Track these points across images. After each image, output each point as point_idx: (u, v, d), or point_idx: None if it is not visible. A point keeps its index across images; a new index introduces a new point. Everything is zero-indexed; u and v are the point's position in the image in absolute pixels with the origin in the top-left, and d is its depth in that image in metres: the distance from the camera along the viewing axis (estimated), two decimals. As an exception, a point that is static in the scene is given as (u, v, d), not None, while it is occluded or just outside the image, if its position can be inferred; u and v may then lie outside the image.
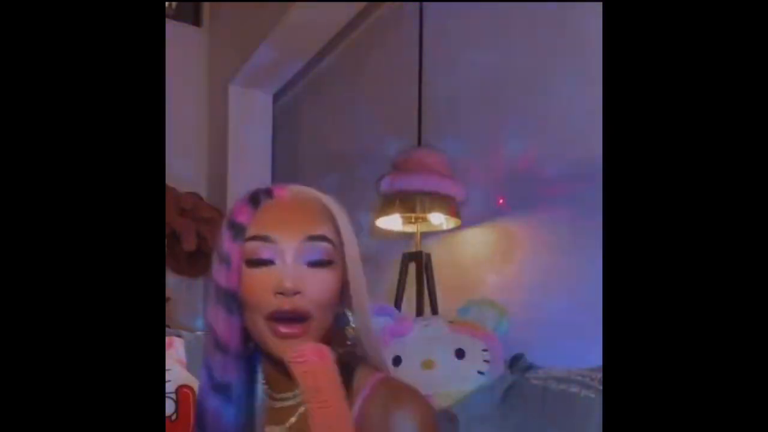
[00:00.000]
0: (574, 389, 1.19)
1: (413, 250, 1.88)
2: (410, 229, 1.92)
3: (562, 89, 1.68)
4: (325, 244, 0.68)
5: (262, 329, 0.67)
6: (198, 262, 3.15)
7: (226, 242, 0.69)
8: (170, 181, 2.99)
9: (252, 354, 0.73)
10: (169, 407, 1.57)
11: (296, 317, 0.66)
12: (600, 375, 1.19)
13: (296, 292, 0.66)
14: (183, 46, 3.39)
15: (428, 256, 1.86)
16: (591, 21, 1.52)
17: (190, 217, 2.98)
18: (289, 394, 0.71)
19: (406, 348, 1.46)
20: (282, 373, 0.69)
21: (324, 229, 0.69)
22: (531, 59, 1.78)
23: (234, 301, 0.68)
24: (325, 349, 0.65)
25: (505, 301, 1.62)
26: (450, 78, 2.07)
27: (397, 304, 1.84)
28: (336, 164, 2.66)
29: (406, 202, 1.73)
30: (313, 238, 0.67)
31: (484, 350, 1.41)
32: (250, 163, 3.17)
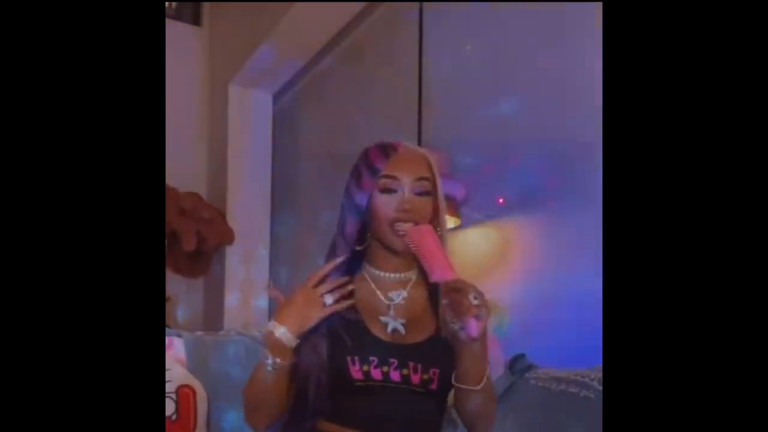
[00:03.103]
0: (574, 389, 1.19)
1: (413, 250, 1.88)
2: (410, 229, 1.91)
3: (562, 89, 1.68)
4: (426, 182, 1.05)
5: (387, 230, 1.02)
6: (198, 262, 3.16)
7: (365, 176, 1.04)
8: (170, 181, 2.99)
9: (365, 249, 1.09)
10: (169, 407, 1.57)
11: (408, 224, 1.01)
12: (600, 375, 1.19)
13: (410, 210, 1.01)
14: (183, 46, 3.39)
15: (428, 256, 1.86)
16: (591, 20, 1.52)
17: (190, 217, 2.98)
18: (395, 274, 1.07)
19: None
20: (391, 259, 1.06)
21: (425, 173, 1.05)
22: (531, 59, 1.78)
23: (360, 213, 1.04)
24: (430, 227, 1.01)
25: (505, 302, 1.62)
26: (450, 78, 2.07)
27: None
28: (336, 164, 2.66)
29: (406, 202, 1.73)
30: (420, 178, 1.04)
31: (484, 350, 1.41)
32: (250, 163, 3.17)
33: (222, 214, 3.10)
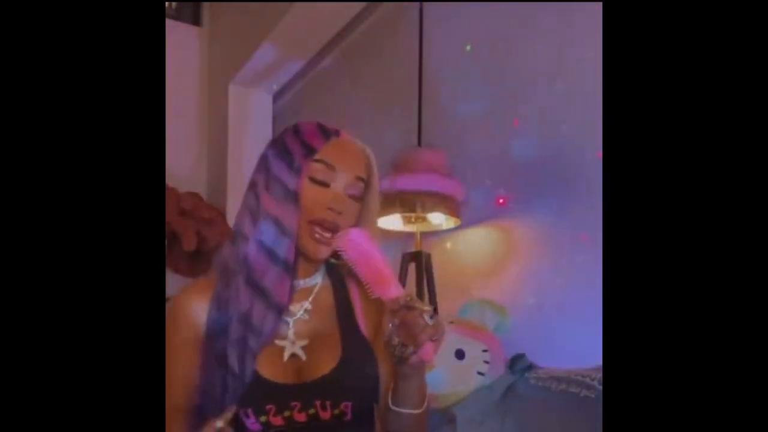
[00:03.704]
0: (574, 389, 1.19)
1: (413, 250, 1.88)
2: (410, 228, 1.92)
3: (563, 89, 1.68)
4: (362, 184, 0.89)
5: (303, 229, 0.85)
6: (198, 262, 3.15)
7: (298, 156, 0.86)
8: (170, 181, 2.99)
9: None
10: (169, 407, 1.56)
11: (332, 229, 0.86)
12: (600, 375, 1.19)
13: (339, 211, 0.85)
14: (183, 46, 3.39)
15: (428, 256, 1.86)
16: (591, 20, 1.52)
17: (190, 217, 2.98)
18: (300, 281, 0.90)
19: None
20: (305, 263, 0.89)
21: (364, 173, 0.89)
22: (532, 58, 1.78)
23: (294, 200, 0.85)
24: (365, 232, 0.85)
25: (505, 302, 1.62)
26: (450, 78, 2.07)
27: (397, 303, 1.83)
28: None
29: (406, 201, 1.73)
30: (358, 178, 0.88)
31: (484, 351, 1.41)
32: (250, 163, 3.16)
33: (222, 214, 3.10)
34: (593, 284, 1.44)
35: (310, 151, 0.86)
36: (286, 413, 0.81)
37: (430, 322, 0.75)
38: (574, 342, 1.48)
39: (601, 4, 0.68)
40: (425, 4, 2.09)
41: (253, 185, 0.92)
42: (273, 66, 2.94)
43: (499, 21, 1.90)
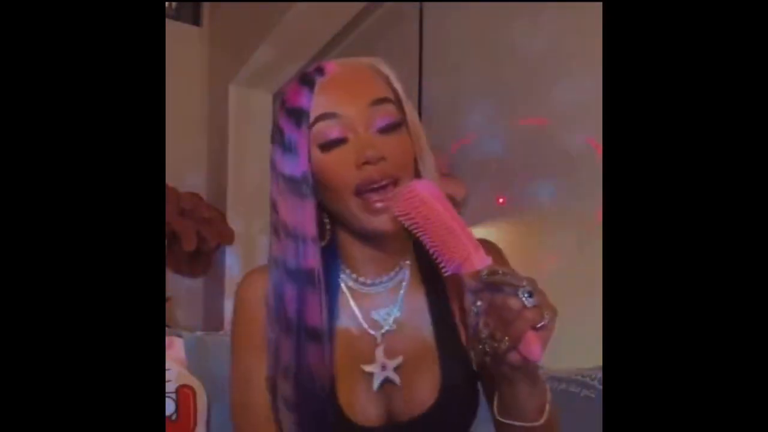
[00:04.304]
0: (575, 389, 1.19)
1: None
2: (410, 228, 1.91)
3: (563, 87, 1.68)
4: (390, 106, 0.65)
5: (353, 207, 0.63)
6: (198, 262, 3.15)
7: (288, 130, 0.64)
8: (170, 181, 2.99)
9: (329, 244, 0.69)
10: (169, 407, 1.57)
11: (386, 183, 0.62)
12: (600, 375, 1.19)
13: (380, 158, 0.61)
14: (183, 46, 3.39)
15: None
16: (591, 19, 1.52)
17: (190, 217, 2.98)
18: (381, 278, 0.68)
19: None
20: (369, 254, 0.67)
21: (384, 91, 0.66)
22: (531, 58, 1.78)
23: (307, 186, 0.64)
24: (432, 183, 0.62)
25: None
26: (450, 78, 2.07)
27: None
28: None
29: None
30: (378, 101, 0.64)
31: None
32: (250, 163, 3.17)
33: (222, 214, 3.10)
34: (593, 284, 1.44)
35: (299, 115, 0.64)
36: None
37: (528, 303, 0.55)
38: (574, 342, 1.48)
39: (601, 4, 0.67)
40: (425, 4, 2.09)
41: (270, 196, 0.69)
42: (273, 66, 2.94)
43: (499, 21, 1.90)
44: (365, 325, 0.68)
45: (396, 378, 0.65)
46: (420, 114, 1.99)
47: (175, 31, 3.36)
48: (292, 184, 0.64)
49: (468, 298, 0.58)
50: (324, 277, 0.65)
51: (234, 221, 3.10)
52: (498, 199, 1.86)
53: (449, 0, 2.07)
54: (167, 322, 3.09)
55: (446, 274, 0.60)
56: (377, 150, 0.62)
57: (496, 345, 0.55)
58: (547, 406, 0.61)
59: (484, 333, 0.55)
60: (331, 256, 0.69)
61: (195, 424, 1.59)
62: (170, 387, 1.58)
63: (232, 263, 3.09)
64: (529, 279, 0.57)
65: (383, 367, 0.65)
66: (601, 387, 1.16)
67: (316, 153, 0.64)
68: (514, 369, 0.57)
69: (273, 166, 0.68)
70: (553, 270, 1.67)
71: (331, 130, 0.63)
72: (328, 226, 0.69)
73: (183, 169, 3.29)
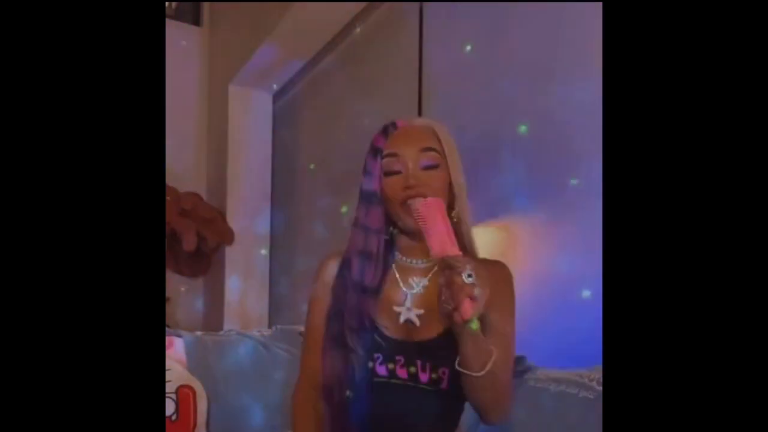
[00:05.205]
0: (573, 390, 1.19)
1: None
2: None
3: (563, 87, 1.68)
4: (433, 153, 1.00)
5: (398, 212, 1.00)
6: (198, 262, 3.16)
7: (369, 161, 1.02)
8: (170, 181, 2.99)
9: (390, 237, 1.06)
10: (169, 407, 1.57)
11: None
12: (599, 376, 1.19)
13: (419, 185, 0.97)
14: (183, 46, 3.40)
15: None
16: (592, 19, 1.52)
17: (190, 217, 2.98)
18: (420, 261, 1.06)
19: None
20: (415, 245, 1.04)
21: (431, 143, 1.01)
22: (531, 57, 1.78)
23: (376, 198, 1.01)
24: (439, 200, 0.95)
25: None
26: (450, 78, 2.07)
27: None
28: (336, 164, 2.66)
29: (406, 201, 1.73)
30: (424, 149, 1.00)
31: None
32: (250, 163, 3.17)
33: (222, 214, 3.10)
34: (593, 284, 1.45)
35: (376, 152, 1.01)
36: (390, 365, 0.96)
37: (467, 281, 0.81)
38: (574, 342, 1.48)
39: (600, 4, 0.68)
40: (425, 4, 2.09)
41: (357, 204, 1.06)
42: (273, 66, 2.94)
43: (499, 21, 1.90)
44: (402, 286, 1.04)
45: (416, 320, 1.00)
46: (420, 114, 2.00)
47: (175, 31, 3.36)
48: (369, 196, 1.02)
49: (441, 276, 0.85)
50: (383, 256, 1.03)
51: (234, 221, 3.10)
52: (498, 199, 1.86)
53: (449, 0, 2.07)
54: (167, 322, 3.09)
55: (430, 255, 0.90)
56: (417, 180, 0.98)
57: (447, 307, 0.83)
58: (489, 365, 0.88)
59: (443, 298, 0.83)
60: (390, 243, 1.06)
61: (195, 424, 1.59)
62: (170, 387, 1.58)
63: (233, 263, 3.09)
64: (473, 265, 0.82)
65: (408, 310, 1.01)
66: (599, 388, 1.16)
67: (385, 178, 1.00)
68: (458, 326, 0.84)
69: (360, 186, 1.04)
70: (554, 270, 1.67)
71: (392, 164, 1.00)
72: (390, 228, 1.05)
73: (183, 169, 3.29)
